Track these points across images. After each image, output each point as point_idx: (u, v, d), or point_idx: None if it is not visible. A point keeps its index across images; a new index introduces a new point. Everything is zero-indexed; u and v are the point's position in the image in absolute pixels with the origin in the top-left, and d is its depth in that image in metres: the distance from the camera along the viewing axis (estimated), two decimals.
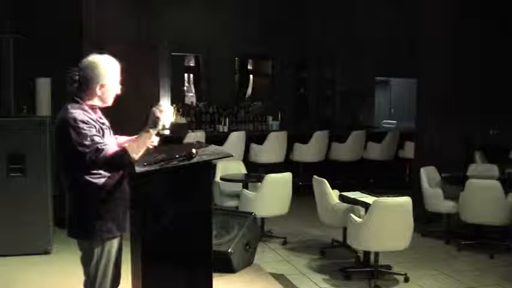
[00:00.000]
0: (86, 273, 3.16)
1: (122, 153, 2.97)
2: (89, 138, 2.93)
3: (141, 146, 3.04)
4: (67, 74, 3.09)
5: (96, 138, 2.96)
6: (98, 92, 3.09)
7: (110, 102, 3.17)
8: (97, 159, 2.92)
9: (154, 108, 3.01)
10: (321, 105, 11.64)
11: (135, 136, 3.16)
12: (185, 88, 11.40)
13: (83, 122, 2.96)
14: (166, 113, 3.03)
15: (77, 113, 2.99)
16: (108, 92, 3.11)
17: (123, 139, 3.36)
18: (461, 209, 6.46)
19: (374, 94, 11.88)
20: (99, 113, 3.20)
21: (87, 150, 2.92)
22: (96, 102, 3.12)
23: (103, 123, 3.15)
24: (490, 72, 8.20)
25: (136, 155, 3.01)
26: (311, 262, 6.05)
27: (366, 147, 9.95)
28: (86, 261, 3.15)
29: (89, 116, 3.04)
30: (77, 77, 3.07)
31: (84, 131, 2.94)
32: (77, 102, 3.06)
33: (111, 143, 3.11)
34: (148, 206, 3.31)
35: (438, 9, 7.73)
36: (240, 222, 5.54)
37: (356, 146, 9.77)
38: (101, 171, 3.03)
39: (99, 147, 2.93)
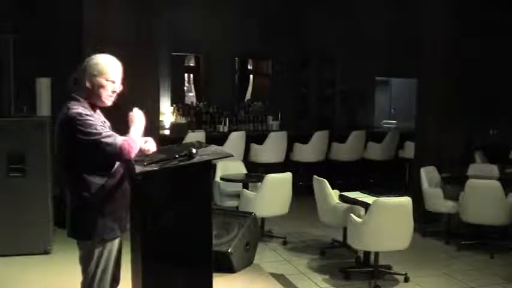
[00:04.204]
0: (84, 272, 3.15)
1: (131, 140, 3.04)
2: (98, 128, 2.98)
3: (139, 135, 3.16)
4: (71, 75, 3.11)
5: (104, 129, 3.02)
6: (98, 90, 3.09)
7: (109, 101, 3.15)
8: (112, 144, 2.94)
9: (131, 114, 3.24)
10: (321, 105, 11.63)
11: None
12: (185, 88, 11.40)
13: (88, 115, 3.01)
14: (138, 119, 3.22)
15: (80, 108, 3.02)
16: (107, 91, 3.10)
17: None
18: (461, 209, 6.46)
19: (374, 94, 11.88)
20: (99, 113, 3.21)
21: (99, 137, 2.94)
22: (95, 101, 3.12)
23: (104, 122, 3.17)
24: (490, 72, 8.20)
25: (139, 143, 3.11)
26: (311, 262, 6.05)
27: (366, 147, 9.95)
28: (85, 261, 3.14)
29: (91, 112, 3.06)
30: (77, 77, 3.09)
31: (91, 122, 2.98)
32: (77, 101, 3.07)
33: None
34: (149, 206, 3.31)
35: (438, 9, 7.73)
36: (240, 222, 5.54)
37: (356, 146, 9.77)
38: (103, 171, 3.04)
39: (111, 133, 3.01)
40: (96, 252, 3.09)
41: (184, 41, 10.10)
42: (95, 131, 2.96)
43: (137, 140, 3.11)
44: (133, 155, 3.03)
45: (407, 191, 6.06)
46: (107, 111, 3.26)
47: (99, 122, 3.05)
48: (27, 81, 7.06)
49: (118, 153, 2.98)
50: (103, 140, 2.95)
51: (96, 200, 3.03)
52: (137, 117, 3.23)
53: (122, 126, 3.31)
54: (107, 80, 3.09)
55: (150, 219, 3.31)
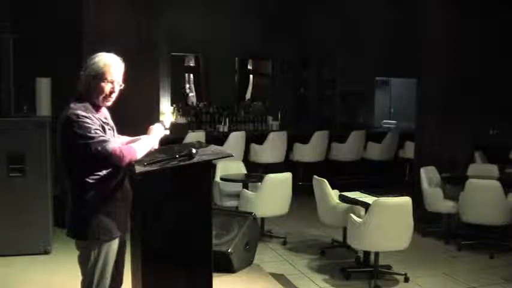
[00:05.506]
0: (83, 272, 3.15)
1: (129, 148, 3.06)
2: (92, 131, 2.96)
3: (145, 147, 3.20)
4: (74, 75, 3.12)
5: (99, 132, 2.99)
6: (96, 91, 3.07)
7: (108, 102, 3.14)
8: (103, 150, 2.94)
9: (151, 127, 3.38)
10: (321, 105, 11.64)
11: (138, 137, 3.29)
12: (187, 89, 11.40)
13: (85, 116, 2.98)
14: (158, 132, 3.37)
15: (80, 109, 3.00)
16: (105, 91, 3.08)
17: (124, 139, 3.37)
18: (461, 209, 6.46)
19: (374, 94, 11.88)
20: (105, 113, 3.20)
21: (91, 141, 2.93)
22: (95, 101, 3.10)
23: (107, 123, 3.14)
24: (490, 72, 8.20)
25: (140, 154, 3.13)
26: (311, 262, 6.05)
27: (366, 147, 9.95)
28: (82, 261, 3.13)
29: (92, 113, 3.04)
30: (81, 76, 3.09)
31: (87, 124, 2.96)
32: (80, 101, 3.06)
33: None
34: (149, 205, 3.31)
35: (438, 9, 7.73)
36: (240, 222, 5.54)
37: (356, 146, 9.77)
38: (102, 172, 3.03)
39: (104, 139, 2.98)
40: (93, 252, 3.08)
41: (184, 41, 10.10)
42: (88, 134, 2.94)
43: (139, 149, 3.12)
44: (125, 163, 3.02)
45: (407, 191, 6.05)
46: (110, 111, 3.26)
47: (97, 124, 3.01)
48: (27, 81, 7.06)
49: (107, 159, 2.97)
50: (94, 145, 2.93)
51: (94, 201, 3.03)
52: (155, 131, 3.34)
53: (121, 126, 3.31)
54: (104, 81, 3.07)
55: (150, 219, 3.31)
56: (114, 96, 3.14)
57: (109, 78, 3.08)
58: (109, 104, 3.16)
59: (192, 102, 10.89)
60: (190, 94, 11.40)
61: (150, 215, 3.31)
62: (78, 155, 2.98)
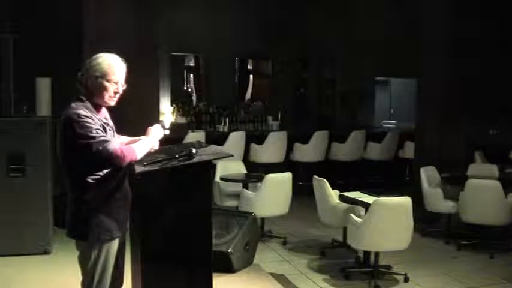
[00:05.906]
0: (83, 273, 3.15)
1: (129, 148, 3.06)
2: (93, 131, 2.95)
3: (145, 148, 3.19)
4: (75, 74, 3.11)
5: (100, 132, 2.99)
6: (99, 92, 3.07)
7: (111, 102, 3.14)
8: (104, 150, 2.93)
9: (150, 128, 3.35)
10: (321, 105, 11.64)
11: (137, 138, 3.29)
12: (189, 89, 11.39)
13: (87, 116, 2.98)
14: (156, 133, 3.34)
15: (80, 109, 3.00)
16: (109, 92, 3.08)
17: (124, 139, 3.37)
18: (461, 209, 6.46)
19: (374, 94, 11.88)
20: (105, 113, 3.20)
21: (92, 141, 2.92)
22: (98, 101, 3.10)
23: (107, 124, 3.14)
24: (490, 72, 8.20)
25: (140, 155, 3.12)
26: (311, 262, 6.05)
27: (365, 147, 9.95)
28: (83, 261, 3.13)
29: (93, 113, 3.04)
30: (82, 76, 3.08)
31: (88, 124, 2.95)
32: (81, 101, 3.06)
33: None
34: (148, 206, 3.31)
35: (438, 9, 7.73)
36: (240, 222, 5.54)
37: (356, 146, 9.77)
38: (102, 172, 3.03)
39: (106, 139, 2.98)
40: (93, 252, 3.07)
41: (184, 41, 10.10)
42: (89, 134, 2.93)
43: (139, 150, 3.11)
44: (125, 163, 3.02)
45: (407, 191, 6.05)
46: (110, 111, 3.25)
47: (98, 124, 3.01)
48: (27, 81, 7.06)
49: (108, 159, 2.96)
50: (95, 145, 2.92)
51: (94, 201, 3.02)
52: (154, 132, 3.32)
53: (121, 126, 3.31)
54: (108, 82, 3.07)
55: (150, 219, 3.31)
56: (117, 96, 3.14)
57: (113, 79, 3.08)
58: (112, 103, 3.16)
59: (192, 102, 10.88)
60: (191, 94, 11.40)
61: (150, 215, 3.31)
62: (78, 154, 2.98)
